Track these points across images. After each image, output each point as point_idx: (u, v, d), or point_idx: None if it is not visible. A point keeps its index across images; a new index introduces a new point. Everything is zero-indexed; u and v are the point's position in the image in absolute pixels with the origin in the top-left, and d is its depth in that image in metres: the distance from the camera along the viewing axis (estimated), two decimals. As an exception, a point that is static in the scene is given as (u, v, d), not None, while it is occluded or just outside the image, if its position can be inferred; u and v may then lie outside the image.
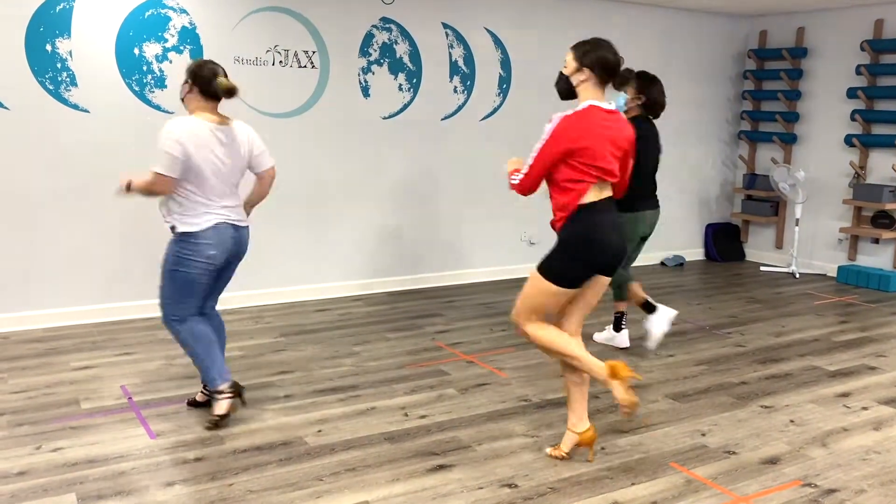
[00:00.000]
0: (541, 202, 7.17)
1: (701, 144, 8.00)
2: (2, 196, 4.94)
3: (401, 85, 6.23)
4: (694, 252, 8.21)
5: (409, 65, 6.24)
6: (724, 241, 8.19)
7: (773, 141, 7.83)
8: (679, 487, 3.09)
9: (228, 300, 5.43)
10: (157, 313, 5.37)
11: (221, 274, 3.67)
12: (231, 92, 3.48)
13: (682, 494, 3.03)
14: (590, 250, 3.07)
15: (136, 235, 5.31)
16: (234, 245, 3.58)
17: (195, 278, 3.51)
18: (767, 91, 7.85)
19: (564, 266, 3.10)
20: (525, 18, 6.72)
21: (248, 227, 3.67)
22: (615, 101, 4.61)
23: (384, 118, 6.21)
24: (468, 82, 6.55)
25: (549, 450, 3.35)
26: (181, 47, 5.33)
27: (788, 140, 7.69)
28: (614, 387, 3.04)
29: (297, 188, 5.88)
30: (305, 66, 5.80)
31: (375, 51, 6.07)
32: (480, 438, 3.53)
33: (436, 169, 6.52)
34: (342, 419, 3.72)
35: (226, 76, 3.51)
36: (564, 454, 3.29)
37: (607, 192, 3.15)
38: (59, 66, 4.99)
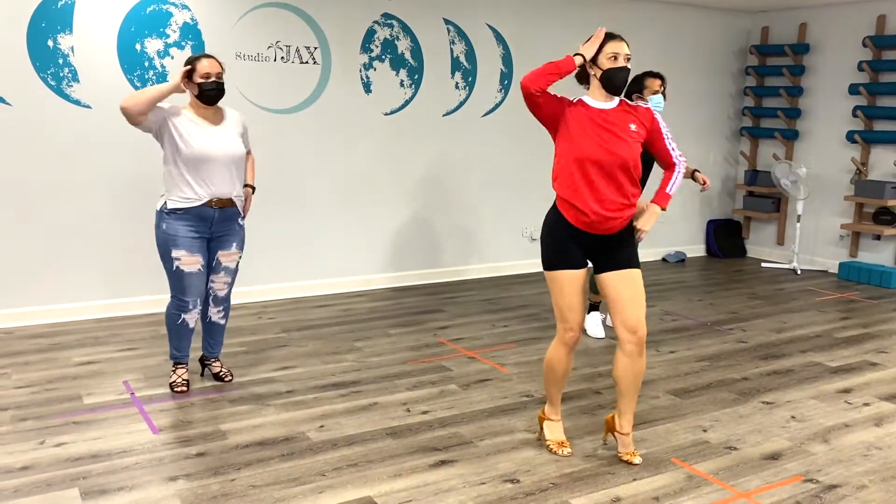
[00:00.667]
0: (541, 200, 7.18)
1: (702, 140, 7.99)
2: (4, 191, 4.94)
3: (402, 81, 6.23)
4: (695, 248, 8.21)
5: (411, 61, 6.23)
6: (725, 238, 8.19)
7: (774, 137, 7.82)
8: (681, 483, 3.10)
9: (232, 296, 5.42)
10: (159, 308, 5.40)
11: None
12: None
13: (683, 490, 3.04)
14: None
15: (139, 231, 5.31)
16: None
17: None
18: (769, 87, 7.84)
19: None
20: (526, 14, 6.71)
21: (155, 209, 3.95)
22: (650, 101, 4.61)
23: (386, 114, 6.21)
24: (470, 78, 6.54)
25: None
26: (183, 43, 5.33)
27: (790, 136, 7.69)
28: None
29: (298, 184, 5.88)
30: (307, 62, 5.80)
31: (377, 47, 6.06)
32: (482, 434, 3.53)
33: (437, 165, 6.51)
34: (344, 415, 3.73)
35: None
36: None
37: None
38: (60, 61, 4.99)
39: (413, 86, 6.28)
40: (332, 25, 5.84)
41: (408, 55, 6.21)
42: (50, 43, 4.94)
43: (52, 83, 4.98)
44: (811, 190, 7.44)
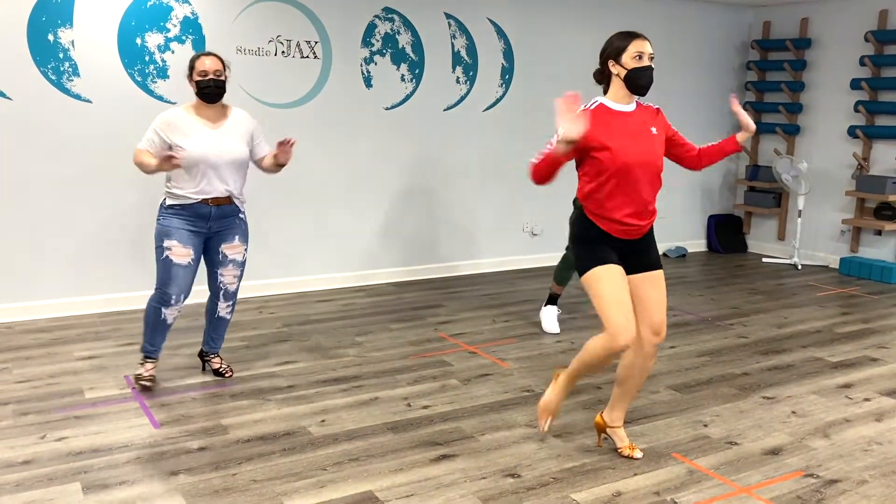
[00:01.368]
0: (541, 196, 7.18)
1: (703, 135, 7.96)
2: (5, 186, 4.94)
3: (403, 75, 6.22)
4: (696, 243, 8.21)
5: (412, 55, 6.22)
6: (726, 233, 8.19)
7: (775, 132, 7.81)
8: (681, 478, 3.10)
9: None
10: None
11: None
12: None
13: (684, 485, 3.04)
14: None
15: (140, 225, 5.31)
16: None
17: None
18: (771, 82, 7.83)
19: None
20: (528, 8, 6.70)
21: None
22: None
23: (386, 109, 6.20)
24: (471, 73, 6.53)
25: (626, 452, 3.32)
26: (183, 37, 5.32)
27: (791, 131, 7.68)
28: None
29: (300, 179, 5.88)
30: (308, 57, 5.79)
31: (378, 41, 6.05)
32: (483, 428, 3.54)
33: (438, 160, 6.51)
34: (345, 409, 3.73)
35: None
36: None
37: None
38: (61, 55, 4.98)
39: (414, 80, 6.27)
40: (332, 20, 5.83)
41: (409, 49, 6.20)
42: (50, 37, 4.93)
43: (53, 77, 4.98)
44: (812, 185, 7.43)
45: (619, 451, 3.28)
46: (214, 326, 4.07)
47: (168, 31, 5.27)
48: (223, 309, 4.01)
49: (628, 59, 2.95)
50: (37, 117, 4.97)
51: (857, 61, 7.15)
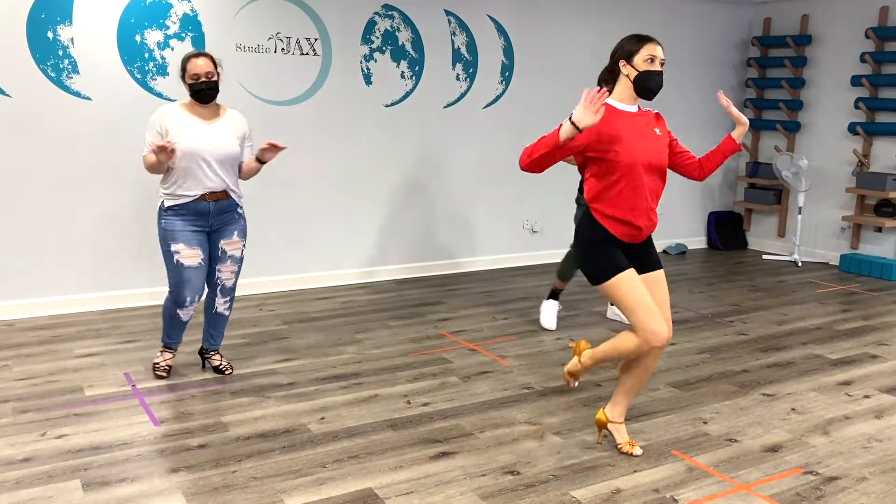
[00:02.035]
0: (541, 193, 7.16)
1: (703, 132, 7.97)
2: (4, 183, 4.94)
3: (403, 72, 6.21)
4: (696, 240, 8.21)
5: (412, 52, 6.22)
6: (726, 230, 8.18)
7: (776, 129, 7.80)
8: (681, 475, 3.10)
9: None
10: (160, 301, 5.40)
11: None
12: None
13: (683, 482, 3.05)
14: None
15: (139, 222, 5.31)
16: None
17: None
18: (771, 79, 7.82)
19: None
20: (528, 5, 6.69)
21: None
22: None
23: (386, 106, 6.20)
24: (471, 70, 6.53)
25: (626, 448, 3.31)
26: (183, 34, 5.32)
27: (792, 128, 7.67)
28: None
29: (299, 176, 5.88)
30: (307, 54, 5.78)
31: (377, 38, 6.05)
32: (483, 426, 3.54)
33: (438, 157, 6.50)
34: (345, 407, 3.73)
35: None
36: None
37: None
38: (60, 53, 4.97)
39: (414, 77, 6.26)
40: (332, 17, 5.82)
41: (408, 46, 6.20)
42: (50, 34, 4.92)
43: (52, 75, 4.97)
44: (812, 182, 7.42)
45: (619, 447, 3.28)
46: (213, 323, 4.08)
47: (167, 28, 5.26)
48: (221, 305, 4.02)
49: (640, 61, 2.96)
50: (36, 115, 4.96)
51: (857, 58, 7.14)
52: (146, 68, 5.24)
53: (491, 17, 6.54)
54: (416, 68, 6.26)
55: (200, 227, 3.81)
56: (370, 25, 6.00)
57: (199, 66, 3.69)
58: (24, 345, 4.55)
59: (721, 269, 7.16)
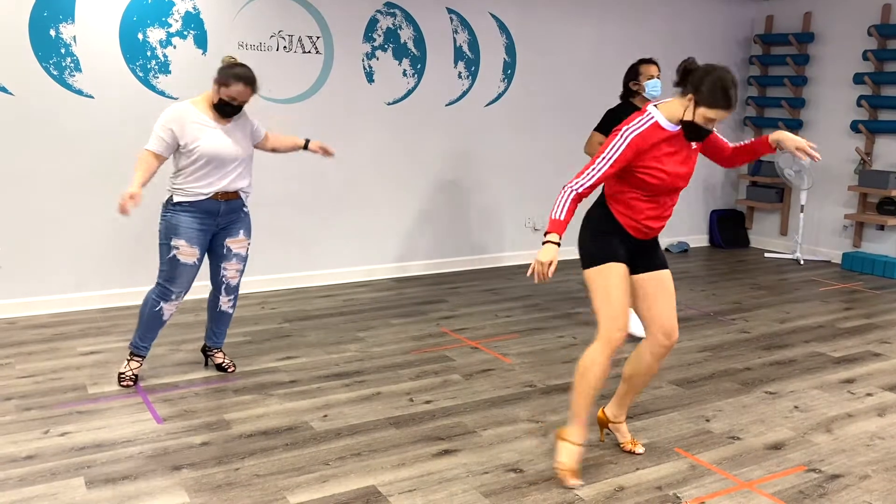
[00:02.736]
0: (543, 191, 7.15)
1: (706, 130, 7.96)
2: (7, 181, 4.94)
3: (405, 70, 6.21)
4: (698, 238, 8.20)
5: (414, 50, 6.21)
6: (728, 228, 8.18)
7: (778, 127, 7.79)
8: (684, 473, 3.10)
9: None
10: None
11: None
12: None
13: (686, 480, 3.05)
14: None
15: (142, 221, 5.32)
16: None
17: None
18: (773, 77, 7.82)
19: None
20: (529, 3, 6.68)
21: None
22: (646, 86, 4.57)
23: (388, 104, 6.20)
24: (473, 68, 6.52)
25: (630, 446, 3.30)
26: (185, 32, 5.32)
27: (794, 126, 7.66)
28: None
29: (300, 174, 5.87)
30: (309, 52, 5.78)
31: (379, 36, 6.04)
32: (485, 424, 3.54)
33: (439, 155, 6.50)
34: (347, 404, 3.73)
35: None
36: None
37: None
38: (62, 51, 4.98)
39: (416, 75, 6.26)
40: (334, 15, 5.82)
41: (410, 44, 6.19)
42: (52, 32, 4.93)
43: (55, 73, 4.97)
44: (815, 180, 7.42)
45: (622, 446, 3.28)
46: (217, 321, 4.08)
47: (170, 26, 5.26)
48: (225, 303, 4.02)
49: (707, 109, 2.79)
50: (39, 113, 4.97)
51: (859, 56, 7.14)
52: (148, 66, 5.24)
53: (493, 15, 6.54)
54: (418, 66, 6.26)
55: (206, 226, 3.80)
56: (372, 23, 6.00)
57: (242, 92, 3.64)
58: (27, 343, 4.56)
59: (723, 267, 7.16)
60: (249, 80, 3.66)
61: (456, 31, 6.39)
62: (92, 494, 2.85)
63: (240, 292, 5.60)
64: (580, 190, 2.88)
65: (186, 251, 3.76)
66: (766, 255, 7.71)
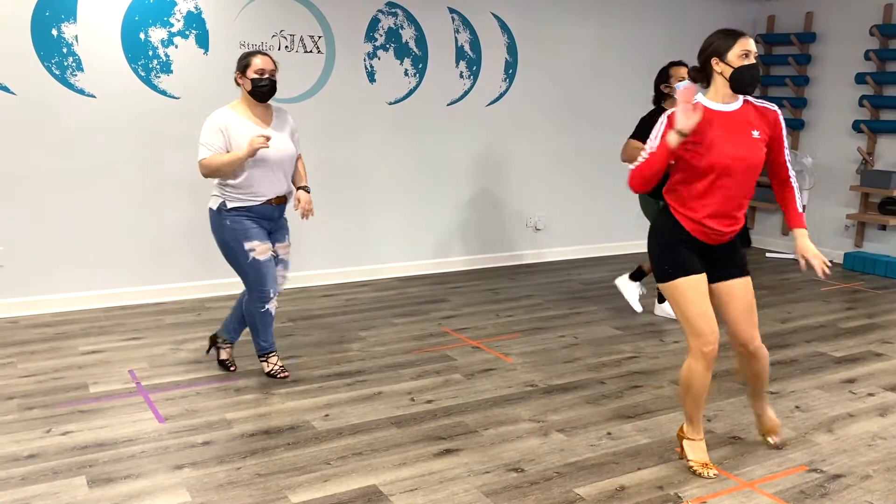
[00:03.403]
0: (544, 191, 7.14)
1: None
2: (9, 181, 4.95)
3: (406, 70, 6.21)
4: (700, 238, 8.19)
5: (415, 50, 6.21)
6: (730, 228, 8.16)
7: (780, 127, 7.79)
8: (685, 472, 3.10)
9: (236, 285, 5.43)
10: (164, 298, 5.42)
11: None
12: None
13: (687, 479, 3.05)
14: None
15: (144, 220, 5.32)
16: None
17: None
18: (775, 76, 7.81)
19: None
20: (531, 2, 6.68)
21: (209, 208, 3.89)
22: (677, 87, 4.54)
23: (390, 103, 6.20)
24: (474, 67, 6.52)
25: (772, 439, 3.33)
26: (187, 32, 5.32)
27: (796, 126, 7.66)
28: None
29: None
30: (311, 52, 5.79)
31: (381, 36, 6.04)
32: (487, 423, 3.54)
33: (441, 154, 6.50)
34: (349, 404, 3.74)
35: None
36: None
37: None
38: (64, 50, 4.98)
39: (417, 75, 6.26)
40: (336, 14, 5.82)
41: (412, 44, 6.19)
42: (54, 32, 4.93)
43: (57, 72, 4.98)
44: (817, 180, 7.41)
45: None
46: (266, 323, 4.01)
47: (172, 25, 5.26)
48: (273, 306, 4.00)
49: (734, 57, 2.85)
50: (41, 112, 4.97)
51: (861, 56, 7.13)
52: (150, 66, 5.24)
53: (494, 15, 6.54)
54: (420, 66, 6.26)
55: (264, 227, 3.87)
56: (374, 23, 6.00)
57: (266, 61, 3.71)
58: (29, 342, 4.57)
59: (725, 266, 7.15)
60: (264, 52, 3.79)
61: (457, 31, 6.39)
62: (94, 493, 2.86)
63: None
64: (646, 156, 2.91)
65: (262, 249, 3.80)
66: (768, 254, 7.70)
